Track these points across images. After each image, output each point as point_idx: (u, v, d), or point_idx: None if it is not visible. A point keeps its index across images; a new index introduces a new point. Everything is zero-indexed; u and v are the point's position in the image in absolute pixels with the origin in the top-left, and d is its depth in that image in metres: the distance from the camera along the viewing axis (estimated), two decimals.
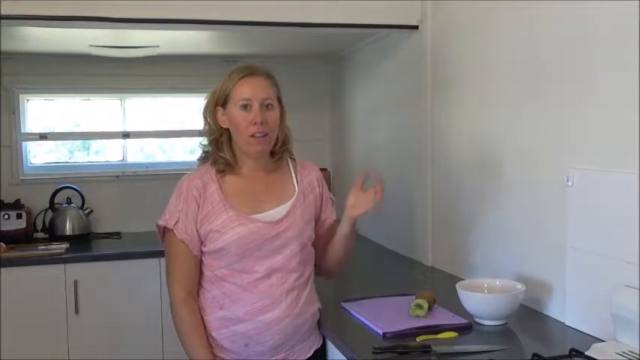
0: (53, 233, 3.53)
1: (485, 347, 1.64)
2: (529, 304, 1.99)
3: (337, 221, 1.96)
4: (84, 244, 3.48)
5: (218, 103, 1.81)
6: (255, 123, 1.75)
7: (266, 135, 1.78)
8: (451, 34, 2.55)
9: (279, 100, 1.84)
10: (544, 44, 1.95)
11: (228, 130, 1.82)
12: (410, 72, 2.87)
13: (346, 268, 2.02)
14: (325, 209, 1.94)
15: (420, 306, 1.92)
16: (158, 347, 3.19)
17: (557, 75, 1.89)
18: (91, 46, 3.22)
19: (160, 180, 3.69)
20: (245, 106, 1.76)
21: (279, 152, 1.87)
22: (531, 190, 2.03)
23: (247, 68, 1.80)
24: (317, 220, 1.92)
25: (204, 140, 1.87)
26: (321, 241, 1.93)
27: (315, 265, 1.92)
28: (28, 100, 3.79)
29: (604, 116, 1.70)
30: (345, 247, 1.91)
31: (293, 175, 1.90)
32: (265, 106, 1.78)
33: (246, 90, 1.77)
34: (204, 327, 1.78)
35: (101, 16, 2.40)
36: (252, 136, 1.76)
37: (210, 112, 1.82)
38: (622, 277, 1.59)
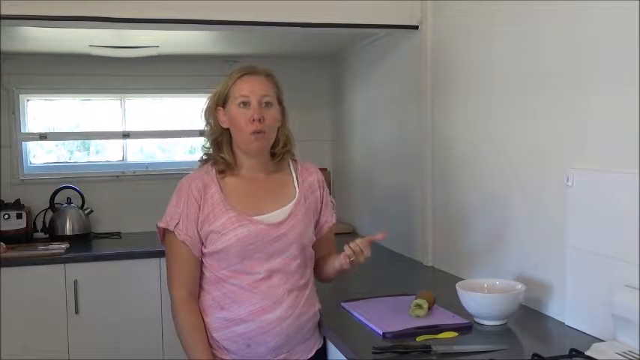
0: (53, 233, 3.53)
1: (486, 347, 1.64)
2: (529, 304, 1.99)
3: (339, 222, 1.96)
4: (84, 244, 3.48)
5: (219, 104, 1.81)
6: (254, 120, 1.75)
7: (264, 132, 1.78)
8: (451, 34, 2.55)
9: (280, 101, 1.84)
10: (544, 44, 1.94)
11: (228, 130, 1.82)
12: (410, 72, 2.87)
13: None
14: (325, 212, 1.94)
15: (420, 306, 1.92)
16: (158, 347, 3.19)
17: (557, 75, 1.88)
18: (91, 46, 3.21)
19: (160, 180, 3.70)
20: (243, 104, 1.76)
21: (279, 154, 1.87)
22: (531, 190, 2.02)
23: (247, 68, 1.82)
24: (316, 223, 1.92)
25: (207, 142, 1.87)
26: (320, 243, 1.93)
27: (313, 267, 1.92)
28: (28, 100, 3.79)
29: (604, 116, 1.70)
30: (339, 274, 1.91)
31: (294, 176, 1.90)
32: (264, 104, 1.78)
33: (244, 87, 1.77)
34: (205, 328, 1.78)
35: (101, 16, 2.40)
36: (251, 133, 1.76)
37: (210, 113, 1.83)
38: (622, 277, 1.59)
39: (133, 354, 3.13)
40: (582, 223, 1.76)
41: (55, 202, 3.61)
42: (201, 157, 1.90)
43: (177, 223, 1.76)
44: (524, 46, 2.05)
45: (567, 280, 1.81)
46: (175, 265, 1.80)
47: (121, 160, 3.95)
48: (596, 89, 1.73)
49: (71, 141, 3.94)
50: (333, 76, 4.07)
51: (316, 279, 1.95)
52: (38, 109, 3.85)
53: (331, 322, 1.94)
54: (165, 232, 1.81)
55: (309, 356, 1.88)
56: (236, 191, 1.81)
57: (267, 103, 1.79)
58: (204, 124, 1.86)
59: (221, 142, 1.83)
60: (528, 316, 1.95)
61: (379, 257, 3.04)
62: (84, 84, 3.78)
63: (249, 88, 1.77)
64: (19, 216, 3.43)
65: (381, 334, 1.78)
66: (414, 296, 1.99)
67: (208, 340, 1.77)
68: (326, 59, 4.04)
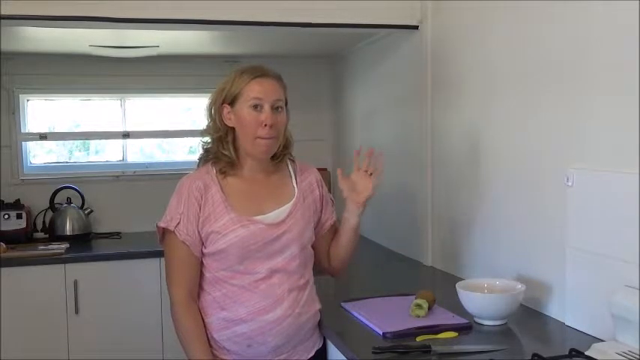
0: (53, 233, 3.53)
1: (486, 347, 1.64)
2: (529, 304, 1.99)
3: (338, 220, 1.96)
4: (84, 244, 3.48)
5: (226, 101, 1.79)
6: (265, 125, 1.75)
7: (273, 138, 1.78)
8: (451, 34, 2.55)
9: (286, 104, 1.84)
10: (544, 44, 1.95)
11: (232, 128, 1.81)
12: (410, 72, 2.87)
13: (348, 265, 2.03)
14: (325, 211, 1.95)
15: (420, 306, 1.92)
16: (158, 347, 3.19)
17: (557, 75, 1.89)
18: (91, 46, 3.21)
19: (160, 180, 3.69)
20: (256, 106, 1.76)
21: (280, 155, 1.87)
22: (531, 190, 2.03)
23: (259, 69, 1.80)
24: (317, 221, 1.92)
25: (206, 138, 1.86)
26: (321, 242, 1.93)
27: (318, 266, 1.93)
28: (28, 100, 3.78)
29: (604, 116, 1.70)
30: (353, 241, 1.94)
31: (292, 176, 1.90)
32: (275, 109, 1.78)
33: (259, 89, 1.76)
34: (205, 328, 1.78)
35: (101, 16, 2.40)
36: (259, 137, 1.76)
37: (216, 109, 1.82)
38: (622, 277, 1.59)
39: (133, 354, 3.12)
40: (582, 223, 1.76)
41: (55, 202, 3.61)
42: (200, 155, 1.89)
43: (178, 224, 1.76)
44: (524, 46, 2.05)
45: (567, 280, 1.81)
46: (175, 266, 1.79)
47: (120, 160, 3.95)
48: (596, 89, 1.73)
49: (71, 141, 3.94)
50: (333, 76, 4.07)
51: (330, 275, 1.96)
52: (38, 109, 3.85)
53: (331, 322, 1.94)
54: (165, 232, 1.80)
55: (310, 356, 1.88)
56: (237, 192, 1.81)
57: (278, 108, 1.79)
58: (208, 119, 1.84)
59: (227, 140, 1.82)
60: (528, 316, 1.95)
61: (379, 257, 3.06)
62: (84, 84, 3.78)
63: (263, 91, 1.76)
64: (19, 216, 3.43)
65: (381, 334, 1.78)
66: (414, 296, 1.99)
67: (208, 341, 1.77)
68: (326, 59, 4.04)
